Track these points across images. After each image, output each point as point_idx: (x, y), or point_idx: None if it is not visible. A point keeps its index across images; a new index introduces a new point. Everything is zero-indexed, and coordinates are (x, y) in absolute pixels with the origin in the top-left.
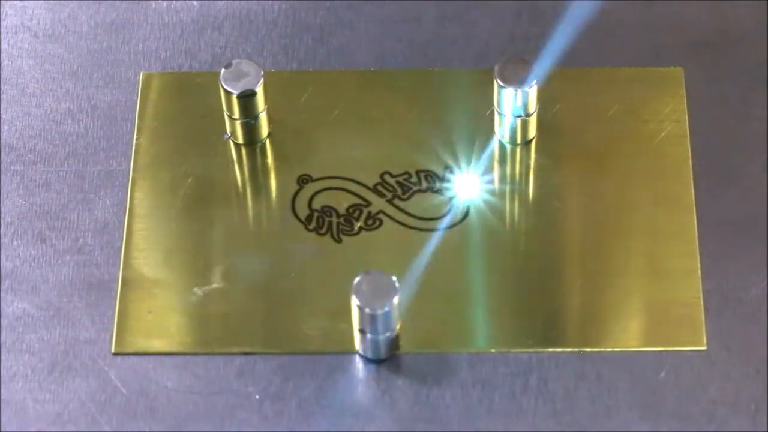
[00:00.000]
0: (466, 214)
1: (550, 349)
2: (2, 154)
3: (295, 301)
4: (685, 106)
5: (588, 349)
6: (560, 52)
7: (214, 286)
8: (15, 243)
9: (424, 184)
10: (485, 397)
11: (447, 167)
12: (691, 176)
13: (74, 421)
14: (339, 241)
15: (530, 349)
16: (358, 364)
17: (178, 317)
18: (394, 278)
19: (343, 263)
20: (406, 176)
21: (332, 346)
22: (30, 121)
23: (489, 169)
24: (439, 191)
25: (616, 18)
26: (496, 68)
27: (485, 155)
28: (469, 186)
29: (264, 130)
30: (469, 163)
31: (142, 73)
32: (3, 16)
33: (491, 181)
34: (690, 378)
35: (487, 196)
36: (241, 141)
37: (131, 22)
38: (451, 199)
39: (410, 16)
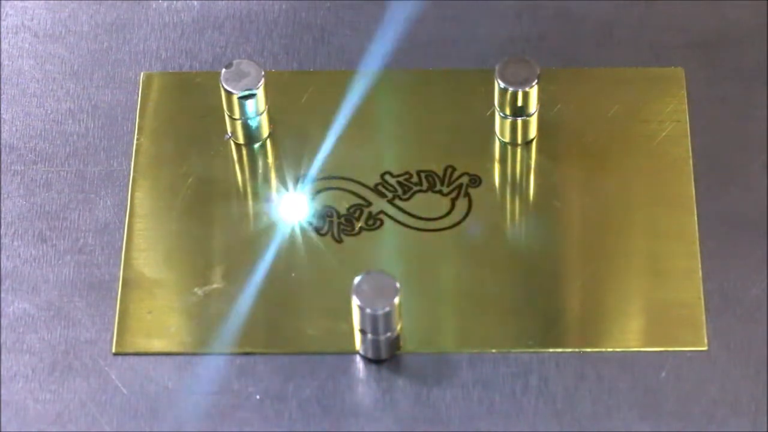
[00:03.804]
0: (466, 214)
1: (551, 350)
2: (3, 154)
3: (295, 301)
4: (686, 106)
5: (588, 350)
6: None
7: (215, 286)
8: (15, 243)
9: (425, 184)
10: (486, 398)
11: (448, 167)
12: (692, 176)
13: (75, 421)
14: (340, 241)
15: (531, 350)
16: (359, 364)
17: (178, 317)
18: (395, 279)
19: (344, 263)
20: (406, 176)
21: (333, 347)
22: (31, 121)
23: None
24: (439, 191)
25: (616, 18)
26: (497, 68)
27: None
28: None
29: (265, 130)
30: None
31: (142, 73)
32: (3, 16)
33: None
34: (690, 378)
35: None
36: (241, 141)
37: (132, 22)
38: (453, 201)
39: (410, 16)
